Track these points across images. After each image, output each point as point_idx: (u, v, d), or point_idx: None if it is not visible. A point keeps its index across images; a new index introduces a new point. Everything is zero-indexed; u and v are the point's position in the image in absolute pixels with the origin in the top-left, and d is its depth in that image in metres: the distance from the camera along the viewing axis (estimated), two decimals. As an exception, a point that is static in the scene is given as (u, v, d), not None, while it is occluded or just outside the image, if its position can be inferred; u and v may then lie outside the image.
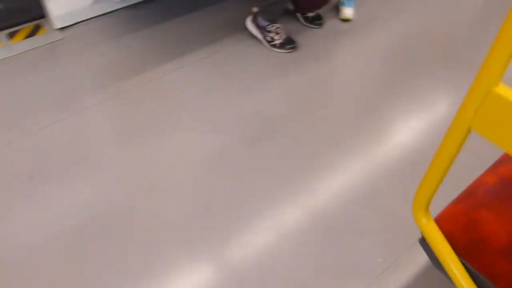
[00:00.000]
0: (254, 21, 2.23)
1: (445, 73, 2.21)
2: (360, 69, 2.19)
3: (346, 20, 2.43)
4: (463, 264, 0.89)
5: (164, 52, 2.18)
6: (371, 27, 2.44)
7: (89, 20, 2.30)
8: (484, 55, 0.59)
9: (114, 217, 1.49)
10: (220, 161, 1.71)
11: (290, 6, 2.39)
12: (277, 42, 2.21)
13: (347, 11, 2.40)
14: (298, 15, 2.41)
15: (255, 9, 2.24)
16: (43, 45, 2.16)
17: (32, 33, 2.22)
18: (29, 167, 1.63)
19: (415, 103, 2.00)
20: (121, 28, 2.29)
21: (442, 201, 0.96)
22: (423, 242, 0.96)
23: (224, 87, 2.03)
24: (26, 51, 2.13)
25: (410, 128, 1.88)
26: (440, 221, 0.93)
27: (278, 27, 2.19)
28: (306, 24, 2.41)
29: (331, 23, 2.43)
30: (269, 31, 2.19)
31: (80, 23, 2.28)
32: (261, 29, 2.21)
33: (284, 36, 2.21)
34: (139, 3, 2.40)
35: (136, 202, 1.55)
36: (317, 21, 2.40)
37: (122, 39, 2.23)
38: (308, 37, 2.34)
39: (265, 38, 2.23)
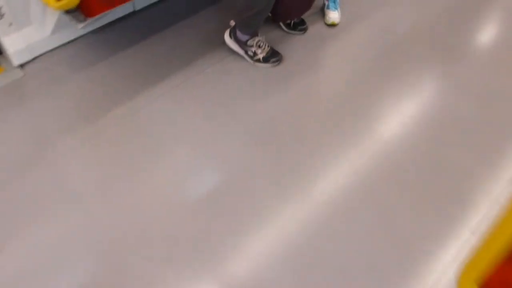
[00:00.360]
0: (233, 35, 2.03)
1: (437, 71, 2.05)
2: (351, 77, 2.02)
3: (331, 25, 2.24)
4: None
5: (136, 80, 1.97)
6: (358, 30, 2.26)
7: (51, 52, 2.07)
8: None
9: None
10: (213, 200, 1.54)
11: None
12: (260, 56, 2.02)
13: (333, 15, 2.22)
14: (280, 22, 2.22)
15: (232, 23, 2.04)
16: (3, 86, 1.94)
17: (-12, 74, 2.00)
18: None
19: (409, 107, 1.86)
20: (87, 56, 2.07)
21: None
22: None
23: (207, 115, 1.83)
24: (-17, 95, 1.91)
25: (405, 134, 1.75)
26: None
27: (259, 40, 2.00)
28: (289, 31, 2.22)
29: (315, 28, 2.24)
30: (250, 46, 2.00)
31: (41, 56, 2.05)
32: (241, 43, 2.02)
33: (267, 49, 2.02)
34: (103, 26, 2.18)
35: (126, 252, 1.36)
36: (301, 26, 2.21)
37: (89, 70, 2.01)
38: (293, 45, 2.16)
39: (246, 53, 2.04)
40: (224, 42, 2.08)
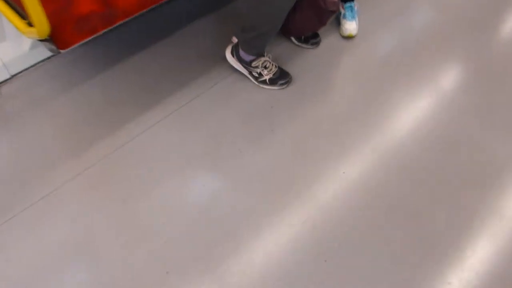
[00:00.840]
0: (235, 54, 1.77)
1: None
2: (371, 100, 1.77)
3: (348, 37, 1.97)
4: None
5: (128, 103, 1.74)
6: (377, 41, 1.99)
7: (30, 69, 1.83)
8: None
9: None
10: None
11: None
12: (266, 77, 1.77)
13: (350, 26, 1.94)
14: (289, 34, 1.96)
15: (234, 40, 1.79)
16: (-25, 111, 1.72)
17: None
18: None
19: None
20: (69, 75, 1.83)
21: None
22: None
23: (208, 148, 1.61)
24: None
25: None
26: None
27: (265, 61, 1.75)
28: (300, 44, 1.95)
29: (330, 41, 1.97)
30: (255, 67, 1.75)
31: (19, 75, 1.82)
32: (245, 63, 1.76)
33: (274, 70, 1.77)
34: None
35: None
36: (313, 40, 1.94)
37: (73, 91, 1.78)
38: (304, 62, 1.90)
39: (251, 74, 1.79)
40: (225, 58, 1.83)
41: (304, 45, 1.95)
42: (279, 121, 1.70)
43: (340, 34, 1.98)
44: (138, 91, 1.78)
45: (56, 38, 1.28)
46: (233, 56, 1.79)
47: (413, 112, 1.75)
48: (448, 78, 1.88)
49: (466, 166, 1.59)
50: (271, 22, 1.56)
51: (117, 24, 1.46)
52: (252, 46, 1.69)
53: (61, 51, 1.30)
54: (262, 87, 1.80)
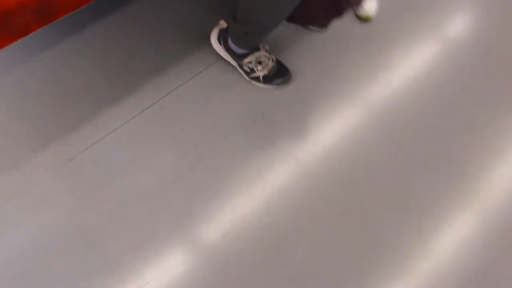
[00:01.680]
0: (223, 42, 1.38)
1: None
2: (394, 109, 1.45)
3: (365, 20, 1.56)
4: None
5: (78, 101, 1.37)
6: (402, 26, 1.59)
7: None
8: None
9: None
10: None
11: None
12: (259, 74, 1.40)
13: (369, 6, 1.53)
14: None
15: (223, 24, 1.38)
16: None
17: None
18: None
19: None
20: (12, 58, 1.43)
21: None
22: None
23: (177, 158, 1.31)
24: None
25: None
26: None
27: (260, 55, 1.37)
28: (304, 25, 1.55)
29: (342, 23, 1.56)
30: (248, 62, 1.37)
31: None
32: (235, 55, 1.39)
33: (271, 65, 1.40)
34: None
35: None
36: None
37: (14, 77, 1.39)
38: (308, 51, 1.52)
39: (241, 67, 1.42)
40: (210, 43, 1.44)
41: (309, 27, 1.54)
42: (273, 133, 1.37)
43: (356, 14, 1.57)
44: (94, 82, 1.40)
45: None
46: (220, 43, 1.40)
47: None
48: None
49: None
50: (277, 16, 1.15)
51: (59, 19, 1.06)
52: (245, 41, 1.30)
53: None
54: (254, 84, 1.44)
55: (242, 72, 1.43)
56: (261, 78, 1.41)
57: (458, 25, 1.63)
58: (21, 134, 1.32)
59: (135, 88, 1.40)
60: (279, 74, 1.42)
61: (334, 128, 1.40)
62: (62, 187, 1.26)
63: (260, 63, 1.38)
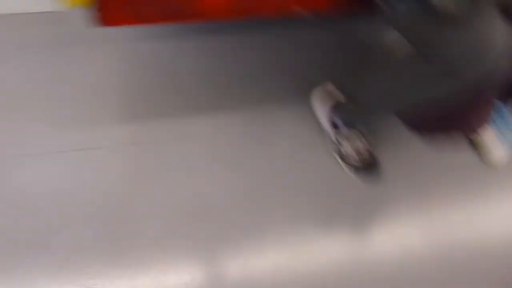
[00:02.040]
0: (325, 108, 1.34)
1: None
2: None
3: (493, 166, 1.36)
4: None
5: (183, 97, 1.43)
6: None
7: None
8: None
9: None
10: None
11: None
12: (346, 153, 1.30)
13: (500, 153, 1.34)
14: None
15: (330, 87, 1.34)
16: None
17: None
18: None
19: None
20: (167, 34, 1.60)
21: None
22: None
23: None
24: None
25: None
26: None
27: (353, 138, 1.29)
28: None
29: (462, 161, 1.37)
30: (343, 139, 1.30)
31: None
32: (332, 125, 1.33)
33: (364, 155, 1.30)
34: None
35: None
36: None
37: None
38: (407, 161, 1.36)
39: (335, 147, 1.33)
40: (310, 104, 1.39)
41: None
42: (357, 231, 1.21)
43: (482, 157, 1.37)
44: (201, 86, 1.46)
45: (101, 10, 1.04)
46: (320, 106, 1.34)
47: None
48: None
49: None
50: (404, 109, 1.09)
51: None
52: (347, 113, 1.26)
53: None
54: (336, 159, 1.34)
55: (333, 151, 1.34)
56: (352, 167, 1.31)
57: None
58: (116, 102, 1.42)
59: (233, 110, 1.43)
60: (369, 166, 1.30)
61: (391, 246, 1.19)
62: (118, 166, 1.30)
63: (353, 148, 1.29)
